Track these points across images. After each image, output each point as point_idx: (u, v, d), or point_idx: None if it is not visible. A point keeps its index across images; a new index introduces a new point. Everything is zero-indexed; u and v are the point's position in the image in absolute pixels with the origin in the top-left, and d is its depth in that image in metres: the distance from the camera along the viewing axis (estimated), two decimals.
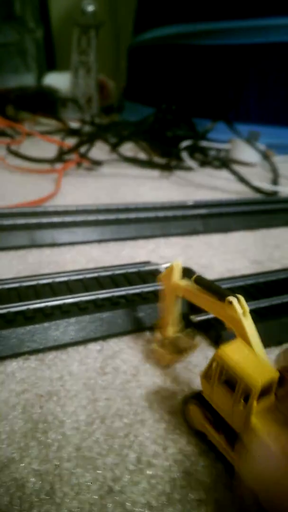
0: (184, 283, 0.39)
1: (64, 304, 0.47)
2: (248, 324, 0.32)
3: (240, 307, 0.32)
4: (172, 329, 0.44)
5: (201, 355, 0.45)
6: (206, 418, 0.34)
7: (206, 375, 0.33)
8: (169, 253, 0.68)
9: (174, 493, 0.31)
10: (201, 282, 0.36)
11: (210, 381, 0.32)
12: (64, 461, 0.32)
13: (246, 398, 0.29)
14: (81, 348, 0.45)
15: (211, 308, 0.35)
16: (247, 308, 0.33)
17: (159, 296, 0.43)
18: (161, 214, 0.79)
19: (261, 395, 0.29)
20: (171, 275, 0.40)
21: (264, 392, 0.29)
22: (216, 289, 0.34)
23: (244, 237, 0.77)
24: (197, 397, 0.34)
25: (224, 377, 0.31)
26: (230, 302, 0.32)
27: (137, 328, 0.48)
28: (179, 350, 0.43)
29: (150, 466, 0.33)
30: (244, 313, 0.32)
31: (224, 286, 0.54)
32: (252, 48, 1.36)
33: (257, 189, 1.00)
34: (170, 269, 0.40)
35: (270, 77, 1.43)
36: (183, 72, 1.52)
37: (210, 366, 0.32)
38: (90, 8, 1.81)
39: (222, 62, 1.42)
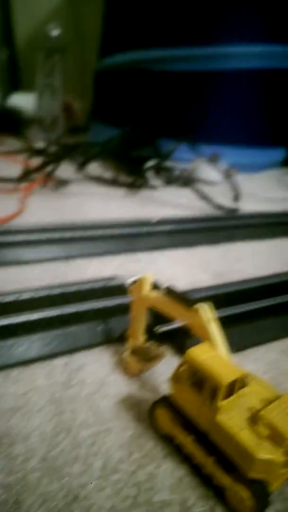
0: (154, 294, 0.41)
1: (29, 321, 0.47)
2: (214, 330, 0.34)
3: (207, 314, 0.35)
4: (141, 339, 0.45)
5: (165, 364, 0.47)
6: (174, 421, 0.35)
7: (175, 378, 0.34)
8: (135, 268, 0.70)
9: (139, 496, 0.32)
10: (171, 292, 0.38)
11: (179, 384, 0.34)
12: (30, 472, 0.33)
13: (212, 397, 0.31)
14: (46, 363, 0.45)
15: (180, 317, 0.38)
16: (213, 316, 0.35)
17: (129, 307, 0.44)
18: (126, 231, 0.81)
19: (226, 395, 0.31)
20: (142, 287, 0.42)
21: (230, 391, 0.31)
22: (184, 299, 0.37)
23: (207, 251, 0.81)
24: (165, 401, 0.36)
25: (193, 379, 0.33)
26: (197, 310, 0.35)
27: (103, 341, 0.49)
28: (148, 359, 0.45)
29: (115, 472, 0.33)
30: (210, 320, 0.35)
31: None
32: (211, 74, 1.44)
33: (219, 206, 1.04)
34: (140, 282, 0.42)
35: (232, 101, 1.50)
36: (147, 95, 1.57)
37: (179, 369, 0.34)
38: (55, 32, 1.85)
39: (183, 87, 1.49)
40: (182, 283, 0.66)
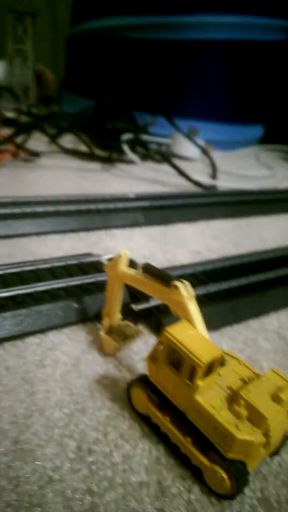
0: (131, 271, 0.39)
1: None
2: (193, 308, 0.33)
3: (186, 292, 0.33)
4: (117, 317, 0.44)
5: (142, 343, 0.46)
6: (151, 401, 0.34)
7: (152, 358, 0.33)
8: (110, 245, 0.68)
9: (115, 477, 0.31)
10: (149, 269, 0.37)
11: (156, 363, 0.33)
12: (2, 455, 0.31)
13: (191, 376, 0.30)
14: (18, 342, 0.44)
15: (158, 294, 0.36)
16: (192, 293, 0.34)
17: (105, 285, 0.43)
18: (102, 206, 0.78)
19: (205, 374, 0.30)
20: (119, 264, 0.40)
21: (208, 371, 0.30)
22: (163, 276, 0.35)
23: (184, 229, 0.79)
24: (142, 380, 0.35)
25: (170, 358, 0.32)
26: (176, 287, 0.33)
27: (78, 319, 0.47)
28: (125, 337, 0.43)
29: (90, 453, 0.33)
30: (189, 297, 0.33)
31: None
32: (190, 43, 1.39)
33: (196, 183, 1.02)
34: (117, 258, 0.40)
35: (208, 74, 1.47)
36: (123, 64, 1.51)
37: (156, 348, 0.33)
38: None
39: (161, 57, 1.44)
40: (159, 261, 0.65)
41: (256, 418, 0.28)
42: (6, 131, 1.19)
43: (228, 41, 1.40)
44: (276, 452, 0.34)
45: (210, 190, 1.01)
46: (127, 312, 0.47)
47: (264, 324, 0.52)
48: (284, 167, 1.50)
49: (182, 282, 0.34)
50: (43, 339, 0.45)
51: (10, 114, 1.47)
